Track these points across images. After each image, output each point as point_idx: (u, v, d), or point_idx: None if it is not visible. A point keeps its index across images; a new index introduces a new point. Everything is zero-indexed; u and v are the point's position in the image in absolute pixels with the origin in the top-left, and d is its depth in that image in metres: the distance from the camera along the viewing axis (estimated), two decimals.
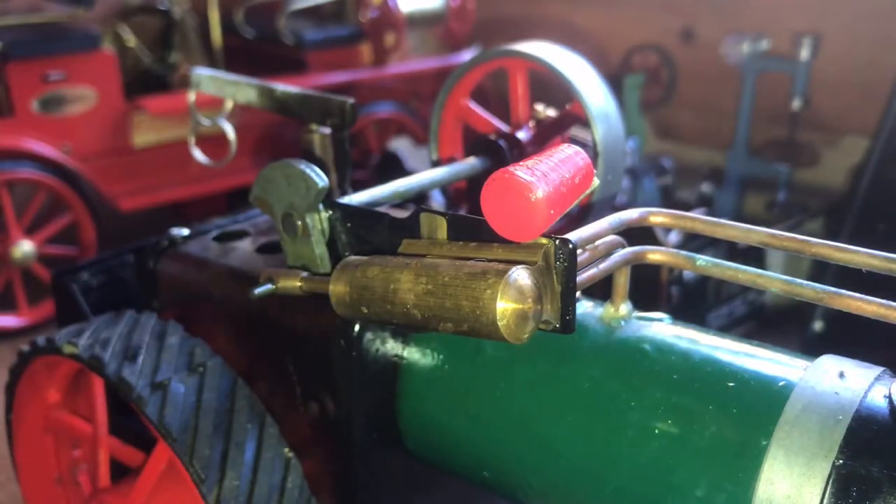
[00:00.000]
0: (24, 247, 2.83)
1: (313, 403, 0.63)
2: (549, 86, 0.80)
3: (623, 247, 0.48)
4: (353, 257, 0.50)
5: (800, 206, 3.21)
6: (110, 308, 0.78)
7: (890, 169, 2.58)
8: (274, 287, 0.58)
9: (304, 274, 0.59)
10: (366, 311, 0.46)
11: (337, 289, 0.48)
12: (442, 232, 0.47)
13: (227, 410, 0.48)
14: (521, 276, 0.41)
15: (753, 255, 2.54)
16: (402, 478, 0.61)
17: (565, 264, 0.41)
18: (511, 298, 0.40)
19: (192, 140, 0.80)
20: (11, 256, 2.82)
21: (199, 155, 0.79)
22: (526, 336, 0.42)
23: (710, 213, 3.23)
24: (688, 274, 2.42)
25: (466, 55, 3.70)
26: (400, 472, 0.60)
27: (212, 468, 0.45)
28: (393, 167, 3.16)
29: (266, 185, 0.66)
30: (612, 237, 0.47)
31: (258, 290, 0.57)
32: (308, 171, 0.62)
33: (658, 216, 0.47)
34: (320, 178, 0.61)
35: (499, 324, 0.41)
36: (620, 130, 0.60)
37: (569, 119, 0.69)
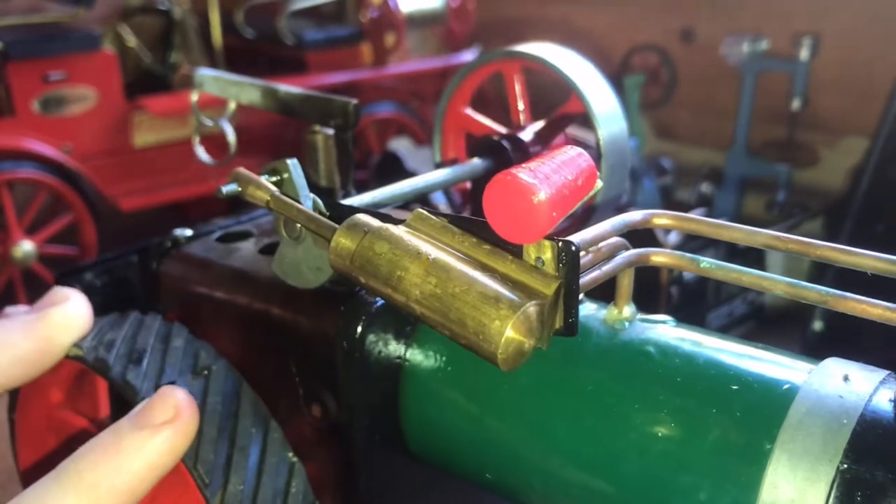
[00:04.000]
0: (25, 247, 2.83)
1: (316, 405, 0.64)
2: (548, 87, 0.80)
3: (627, 249, 0.48)
4: (363, 217, 0.48)
5: (799, 206, 3.20)
6: (114, 308, 0.78)
7: (890, 169, 2.58)
8: (239, 189, 0.57)
9: (276, 191, 0.56)
10: (362, 280, 0.45)
11: (342, 243, 0.46)
12: None
13: (231, 414, 0.48)
14: (532, 314, 0.41)
15: (753, 256, 2.54)
16: (405, 480, 0.61)
17: (568, 267, 0.41)
18: (517, 335, 0.40)
19: (197, 140, 0.79)
20: (12, 256, 2.82)
21: (203, 155, 0.78)
22: (518, 366, 0.42)
23: (709, 214, 3.23)
24: (687, 274, 2.42)
25: (467, 55, 3.70)
26: (403, 475, 0.60)
27: (216, 472, 0.45)
28: (393, 167, 3.16)
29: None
30: (615, 239, 0.47)
31: (225, 189, 0.57)
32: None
33: (662, 218, 0.47)
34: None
35: (498, 354, 0.40)
36: (624, 132, 0.60)
37: (567, 118, 0.69)
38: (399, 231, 0.46)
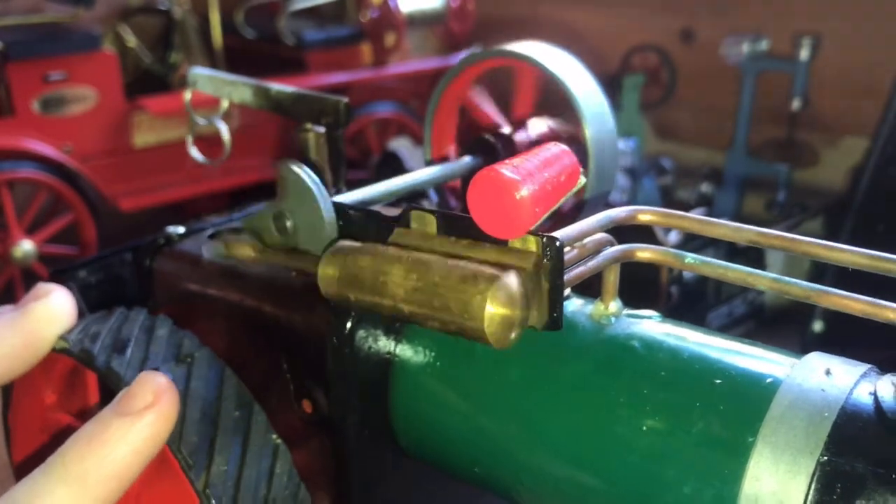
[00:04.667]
0: (25, 246, 2.83)
1: (306, 401, 0.64)
2: (547, 89, 0.80)
3: (612, 244, 0.49)
4: (345, 242, 0.49)
5: (799, 206, 3.21)
6: (110, 306, 0.79)
7: (890, 169, 2.58)
8: (225, 252, 0.59)
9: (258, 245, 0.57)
10: (353, 298, 0.46)
11: (327, 272, 0.48)
12: (432, 229, 0.47)
13: (214, 399, 0.49)
14: (511, 283, 0.41)
15: (753, 255, 2.54)
16: (396, 475, 0.61)
17: (552, 262, 0.42)
18: (500, 305, 0.41)
19: (191, 139, 0.80)
20: (12, 256, 2.82)
21: (196, 154, 0.79)
22: (510, 341, 0.43)
23: (709, 213, 3.23)
24: (687, 274, 2.43)
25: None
26: (393, 470, 0.61)
27: (199, 454, 0.46)
28: (393, 167, 3.16)
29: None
30: (600, 235, 0.48)
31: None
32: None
33: (646, 214, 0.47)
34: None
35: (486, 329, 0.41)
36: (612, 129, 0.60)
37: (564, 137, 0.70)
38: (380, 248, 0.48)
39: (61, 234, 2.96)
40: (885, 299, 0.43)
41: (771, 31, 3.30)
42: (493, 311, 0.41)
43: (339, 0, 3.76)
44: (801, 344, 2.54)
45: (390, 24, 3.46)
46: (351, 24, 3.68)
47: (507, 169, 0.40)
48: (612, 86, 3.23)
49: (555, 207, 0.41)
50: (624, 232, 0.51)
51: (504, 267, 0.42)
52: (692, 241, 2.43)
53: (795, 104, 3.23)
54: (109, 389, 0.51)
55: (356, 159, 3.54)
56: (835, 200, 2.97)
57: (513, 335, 0.42)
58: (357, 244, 0.48)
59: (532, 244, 0.42)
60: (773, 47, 3.29)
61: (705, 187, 3.44)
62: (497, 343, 0.42)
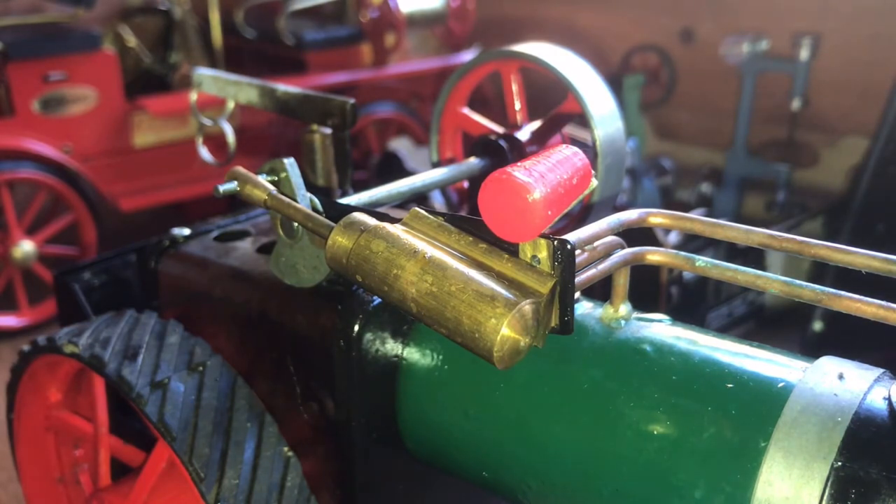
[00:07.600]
0: (25, 247, 2.83)
1: (313, 403, 0.64)
2: (548, 90, 0.80)
3: (622, 248, 0.49)
4: (360, 215, 0.48)
5: (799, 206, 3.21)
6: (112, 308, 0.78)
7: (890, 169, 2.58)
8: (237, 188, 0.58)
9: (274, 190, 0.56)
10: (359, 279, 0.45)
11: (338, 240, 0.47)
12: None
13: (226, 409, 0.49)
14: (527, 312, 0.41)
15: (753, 256, 2.54)
16: (402, 478, 0.61)
17: (564, 265, 0.41)
18: (513, 333, 0.40)
19: (200, 140, 0.80)
20: (12, 256, 2.82)
21: (205, 154, 0.79)
22: (514, 364, 0.42)
23: (709, 214, 3.23)
24: (687, 274, 2.42)
25: (466, 56, 3.70)
26: (400, 472, 0.60)
27: (211, 467, 0.46)
28: (393, 167, 3.16)
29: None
30: (611, 238, 0.47)
31: (223, 188, 0.57)
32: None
33: (657, 217, 0.47)
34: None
35: (494, 353, 0.41)
36: (621, 131, 0.60)
37: (564, 117, 0.69)
38: (395, 229, 0.46)
39: (61, 235, 2.95)
40: (887, 300, 0.43)
41: (771, 31, 3.30)
42: (506, 336, 0.41)
43: (339, 0, 3.76)
44: (800, 344, 2.54)
45: (390, 24, 3.46)
46: (351, 24, 3.68)
47: (519, 171, 0.39)
48: (612, 86, 3.23)
49: (566, 210, 0.41)
50: (623, 232, 0.50)
51: (521, 288, 0.42)
52: (691, 242, 2.43)
53: (795, 104, 3.23)
54: (117, 394, 0.50)
55: (356, 160, 3.53)
56: (835, 201, 2.97)
57: (517, 360, 0.42)
58: (372, 221, 0.47)
59: (543, 247, 0.42)
60: (773, 47, 3.29)
61: (705, 187, 3.43)
62: (500, 365, 0.42)
